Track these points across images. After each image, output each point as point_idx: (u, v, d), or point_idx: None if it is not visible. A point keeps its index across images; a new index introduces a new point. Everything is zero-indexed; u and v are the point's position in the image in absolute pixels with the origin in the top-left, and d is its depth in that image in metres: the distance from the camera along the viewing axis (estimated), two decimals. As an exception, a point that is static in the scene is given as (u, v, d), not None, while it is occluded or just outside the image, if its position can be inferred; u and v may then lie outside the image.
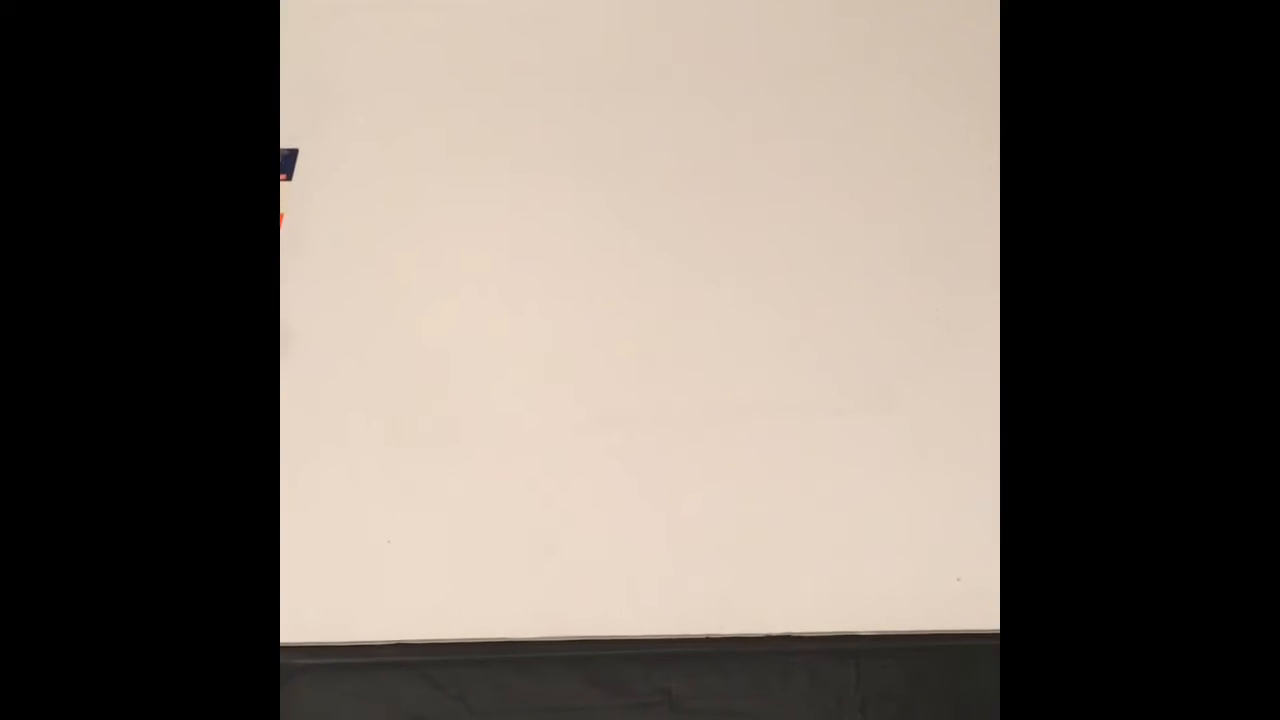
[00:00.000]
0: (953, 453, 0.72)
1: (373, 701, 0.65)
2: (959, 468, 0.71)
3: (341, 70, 0.95)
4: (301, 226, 0.85)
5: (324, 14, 0.99)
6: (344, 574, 0.69)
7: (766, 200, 0.86)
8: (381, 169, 0.89)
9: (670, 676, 0.65)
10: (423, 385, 0.77)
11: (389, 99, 0.93)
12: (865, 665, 0.65)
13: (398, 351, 0.79)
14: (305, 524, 0.70)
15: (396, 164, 0.89)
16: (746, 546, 0.70)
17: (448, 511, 0.71)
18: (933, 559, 0.69)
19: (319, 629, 0.67)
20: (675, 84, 0.93)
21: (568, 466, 0.73)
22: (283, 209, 0.86)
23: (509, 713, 0.65)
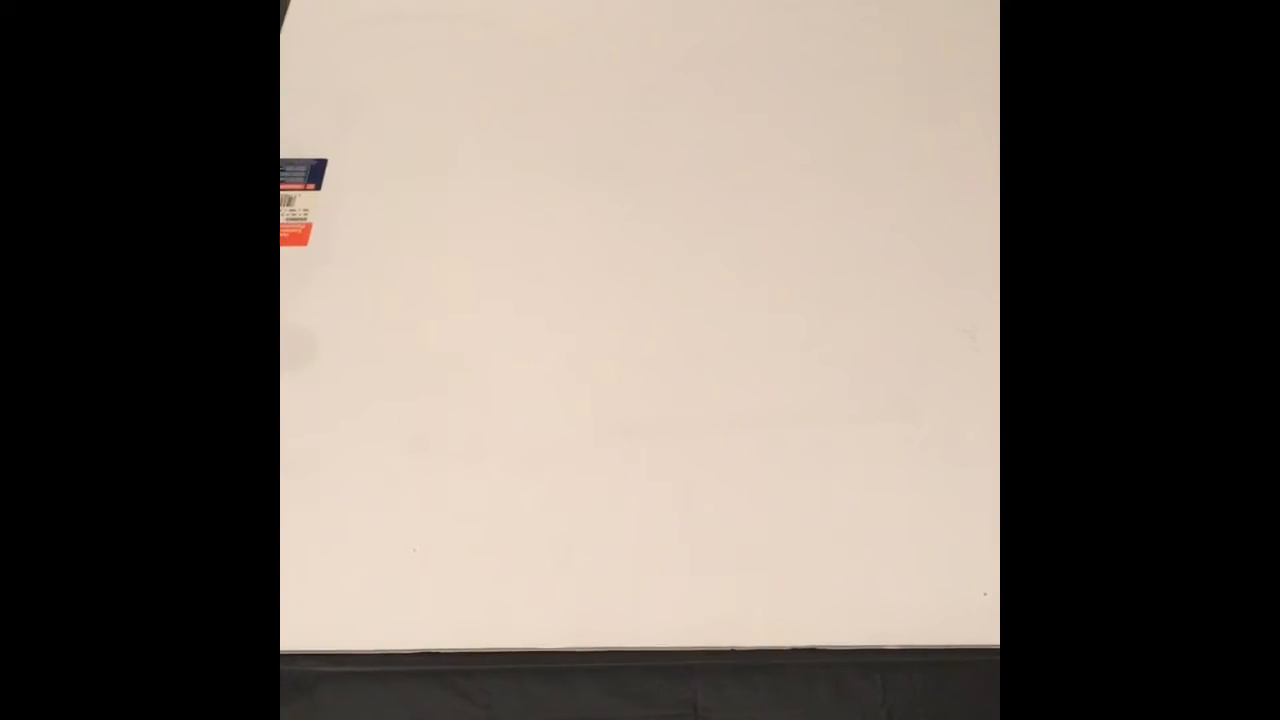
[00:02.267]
0: (978, 463, 0.72)
1: (397, 710, 0.65)
2: (984, 478, 0.71)
3: (371, 80, 0.96)
4: (329, 235, 0.85)
5: (353, 25, 1.00)
6: (369, 582, 0.69)
7: (784, 207, 0.86)
8: (409, 178, 0.89)
9: (695, 688, 0.65)
10: (448, 393, 0.77)
11: (417, 108, 0.94)
12: (890, 678, 0.65)
13: (423, 359, 0.79)
14: (330, 532, 0.70)
15: (424, 173, 0.90)
16: (771, 558, 0.69)
17: (473, 520, 0.72)
18: (958, 572, 0.68)
19: (344, 637, 0.67)
20: (692, 95, 0.94)
21: (592, 476, 0.73)
22: (311, 218, 0.86)
23: (534, 723, 0.65)
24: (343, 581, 0.69)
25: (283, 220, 0.85)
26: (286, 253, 0.83)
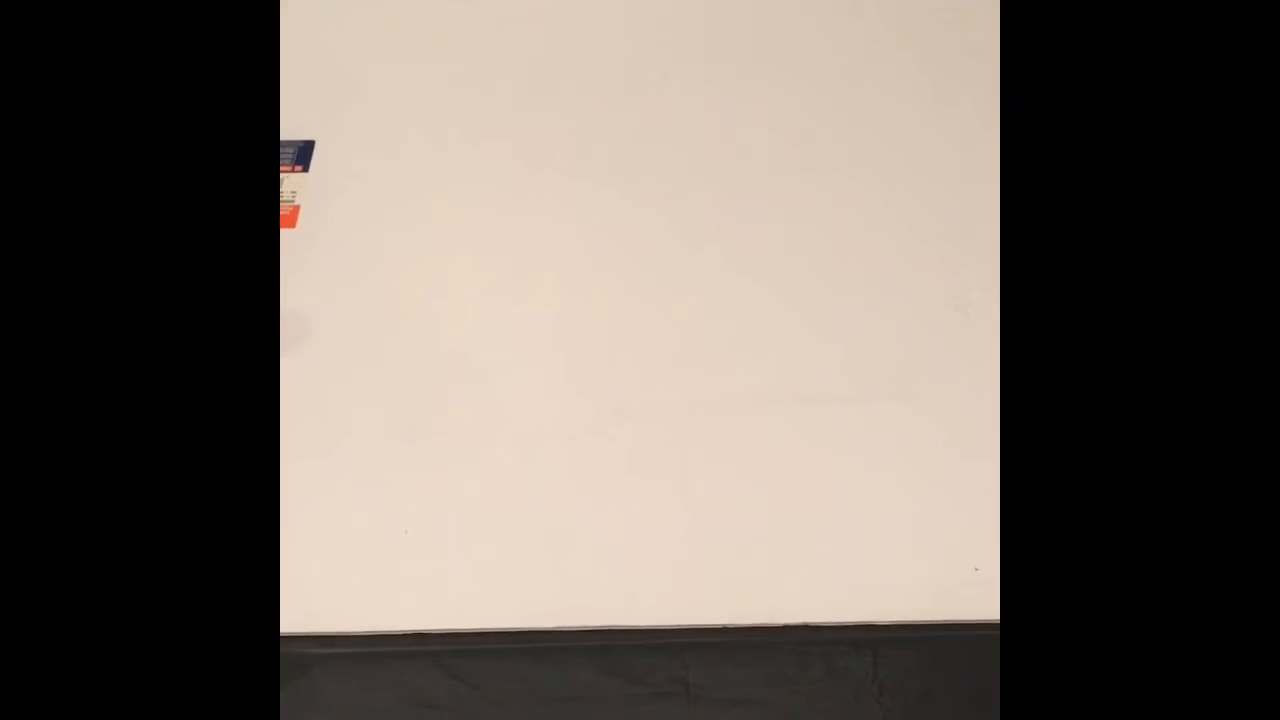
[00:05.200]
0: (970, 441, 0.72)
1: (389, 691, 0.65)
2: (976, 456, 0.71)
3: (359, 62, 0.95)
4: (317, 218, 0.85)
5: (342, 6, 0.99)
6: (361, 564, 0.69)
7: (776, 191, 0.86)
8: (397, 162, 0.89)
9: (687, 666, 0.65)
10: (440, 376, 0.77)
11: (406, 91, 0.93)
12: (883, 655, 0.65)
13: (415, 343, 0.79)
14: (322, 514, 0.70)
15: (412, 157, 0.89)
16: (762, 536, 0.69)
17: (465, 502, 0.71)
18: (950, 548, 0.68)
19: (336, 619, 0.67)
20: (686, 77, 0.93)
21: (584, 457, 0.73)
22: (299, 201, 0.86)
23: (526, 702, 0.65)
24: (335, 563, 0.69)
25: (270, 203, 0.85)
26: (274, 235, 0.83)
